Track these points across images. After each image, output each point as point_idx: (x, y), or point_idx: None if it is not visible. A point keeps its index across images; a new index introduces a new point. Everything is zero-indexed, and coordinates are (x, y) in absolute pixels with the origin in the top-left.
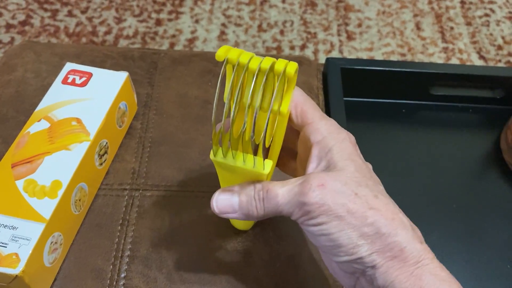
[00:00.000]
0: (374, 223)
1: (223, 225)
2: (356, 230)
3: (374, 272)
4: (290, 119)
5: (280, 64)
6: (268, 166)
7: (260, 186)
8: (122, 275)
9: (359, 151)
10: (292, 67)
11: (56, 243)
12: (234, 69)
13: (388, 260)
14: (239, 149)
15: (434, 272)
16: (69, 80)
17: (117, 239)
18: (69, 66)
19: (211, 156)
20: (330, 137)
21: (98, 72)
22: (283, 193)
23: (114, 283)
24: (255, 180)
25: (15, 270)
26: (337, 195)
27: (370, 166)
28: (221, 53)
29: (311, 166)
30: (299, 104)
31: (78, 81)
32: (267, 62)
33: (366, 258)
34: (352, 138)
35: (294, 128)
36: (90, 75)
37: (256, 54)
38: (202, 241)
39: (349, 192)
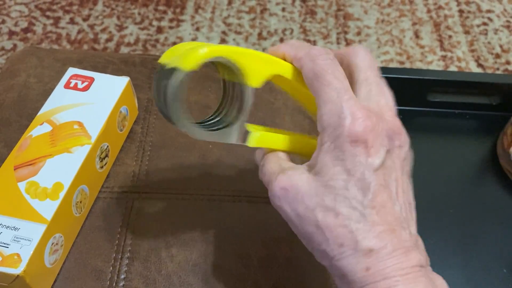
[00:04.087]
0: (321, 244)
1: (221, 227)
2: (306, 241)
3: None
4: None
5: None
6: (252, 139)
7: (264, 157)
8: (122, 276)
9: (362, 148)
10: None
11: (57, 244)
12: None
13: (337, 277)
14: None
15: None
16: (72, 85)
17: (117, 241)
18: (71, 71)
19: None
20: (326, 132)
21: (100, 77)
22: (268, 175)
23: (114, 284)
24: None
25: (17, 270)
26: (297, 204)
27: (371, 165)
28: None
29: (312, 156)
30: (311, 84)
31: (80, 86)
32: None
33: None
34: (356, 130)
35: None
36: (92, 80)
37: None
38: (201, 244)
39: (311, 204)
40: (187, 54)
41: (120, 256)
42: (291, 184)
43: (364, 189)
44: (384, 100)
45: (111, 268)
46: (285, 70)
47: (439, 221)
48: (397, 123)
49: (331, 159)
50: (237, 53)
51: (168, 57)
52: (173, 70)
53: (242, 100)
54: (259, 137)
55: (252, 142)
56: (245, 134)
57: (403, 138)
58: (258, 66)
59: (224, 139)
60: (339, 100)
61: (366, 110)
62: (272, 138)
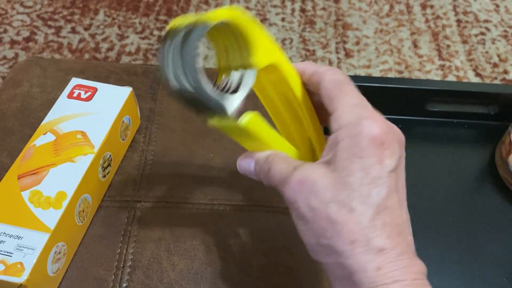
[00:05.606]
0: (332, 238)
1: (223, 236)
2: (316, 237)
3: (332, 286)
4: (324, 108)
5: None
6: (246, 117)
7: (269, 160)
8: (124, 285)
9: (379, 148)
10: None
11: (59, 253)
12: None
13: (339, 279)
14: None
15: None
16: (75, 95)
17: (119, 250)
18: (74, 81)
19: (210, 122)
20: (344, 129)
21: (103, 87)
22: (279, 175)
23: None
24: (258, 141)
25: (20, 279)
26: (312, 198)
27: (387, 166)
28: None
29: (322, 155)
30: (330, 90)
31: (83, 96)
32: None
33: (324, 265)
34: (375, 131)
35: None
36: (95, 90)
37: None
38: (202, 252)
39: (326, 198)
40: (209, 13)
41: (122, 265)
42: (307, 178)
43: (379, 189)
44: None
45: (113, 276)
46: (285, 65)
47: (438, 230)
48: (402, 135)
49: (349, 156)
50: (253, 28)
51: (180, 23)
52: (195, 25)
53: (243, 77)
54: (254, 119)
55: (245, 121)
56: (238, 112)
57: (403, 150)
58: (267, 48)
59: (221, 105)
60: (361, 105)
61: (383, 117)
62: (266, 127)
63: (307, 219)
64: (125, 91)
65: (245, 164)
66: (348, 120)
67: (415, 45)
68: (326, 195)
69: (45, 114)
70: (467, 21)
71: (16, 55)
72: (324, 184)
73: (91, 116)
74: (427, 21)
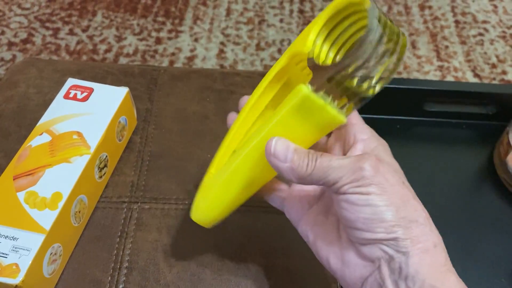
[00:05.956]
0: (417, 211)
1: (220, 237)
2: (400, 211)
3: (405, 259)
4: None
5: None
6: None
7: (314, 151)
8: (120, 287)
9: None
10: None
11: (55, 254)
12: None
13: (420, 252)
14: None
15: (457, 277)
16: (71, 95)
17: (115, 251)
18: (71, 81)
19: (304, 89)
20: (374, 138)
21: (99, 88)
22: (337, 159)
23: None
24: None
25: (15, 280)
26: (390, 175)
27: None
28: None
29: (355, 152)
30: (354, 125)
31: (79, 96)
32: None
33: (402, 241)
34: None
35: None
36: (91, 90)
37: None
38: (199, 254)
39: (398, 179)
40: None
41: (118, 266)
42: (380, 159)
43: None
44: None
45: (109, 278)
46: None
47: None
48: None
49: (390, 156)
50: None
51: None
52: None
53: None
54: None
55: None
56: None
57: None
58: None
59: None
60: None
61: None
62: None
63: (391, 193)
64: (122, 92)
65: (283, 148)
66: (373, 133)
67: (413, 46)
68: (398, 178)
69: (42, 115)
70: (465, 22)
71: (14, 56)
72: (393, 169)
73: (87, 116)
74: (425, 22)
